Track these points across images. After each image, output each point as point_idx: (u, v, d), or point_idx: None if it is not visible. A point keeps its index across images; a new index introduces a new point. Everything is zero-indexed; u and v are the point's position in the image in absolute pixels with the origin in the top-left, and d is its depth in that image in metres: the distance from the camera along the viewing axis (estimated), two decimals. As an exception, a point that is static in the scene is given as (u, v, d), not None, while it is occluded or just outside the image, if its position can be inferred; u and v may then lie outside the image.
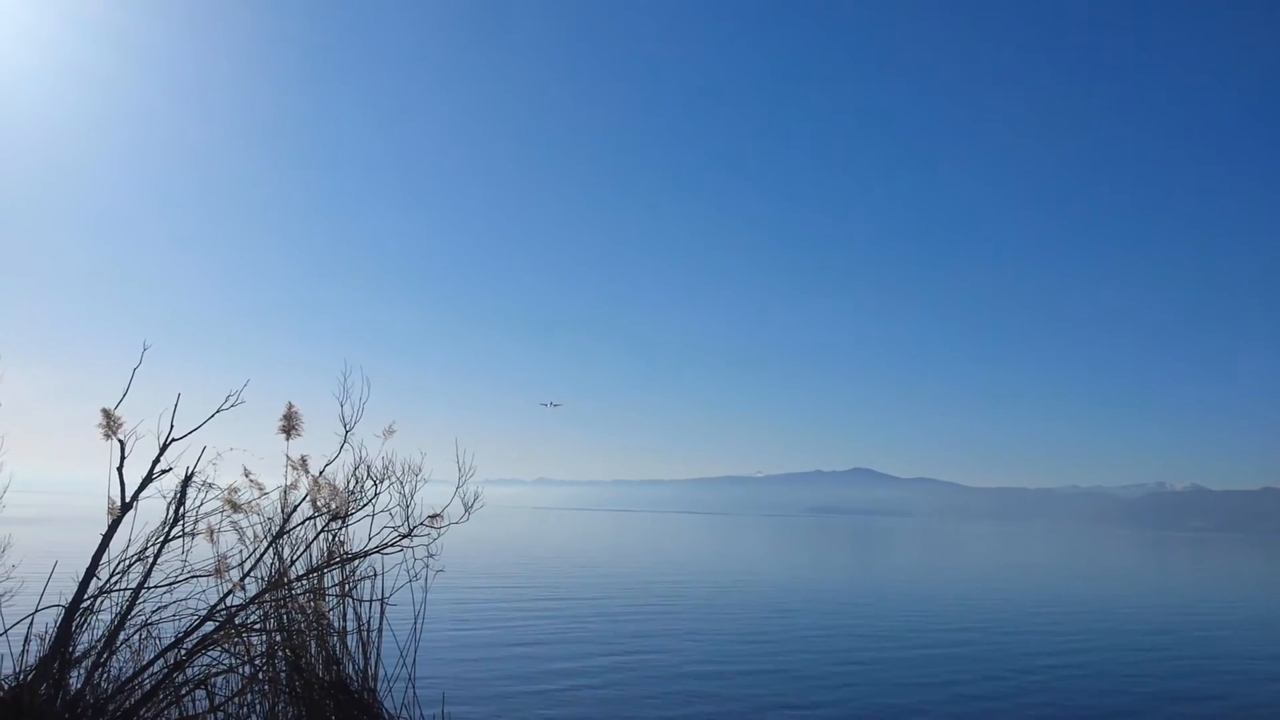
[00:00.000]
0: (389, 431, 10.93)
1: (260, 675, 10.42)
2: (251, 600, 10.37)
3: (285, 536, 10.76)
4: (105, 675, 9.59)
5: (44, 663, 9.18)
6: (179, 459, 10.11)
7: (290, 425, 10.84)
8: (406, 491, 11.03)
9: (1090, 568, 77.86)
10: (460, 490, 11.24)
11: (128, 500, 9.93)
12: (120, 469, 9.95)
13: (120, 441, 9.95)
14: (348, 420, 10.91)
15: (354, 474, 10.92)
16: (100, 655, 9.54)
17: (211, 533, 10.32)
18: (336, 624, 10.88)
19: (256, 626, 10.46)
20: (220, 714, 10.14)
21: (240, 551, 10.53)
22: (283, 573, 10.64)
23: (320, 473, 10.90)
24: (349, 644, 10.90)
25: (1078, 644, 27.55)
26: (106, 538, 9.81)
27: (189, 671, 10.00)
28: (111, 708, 9.46)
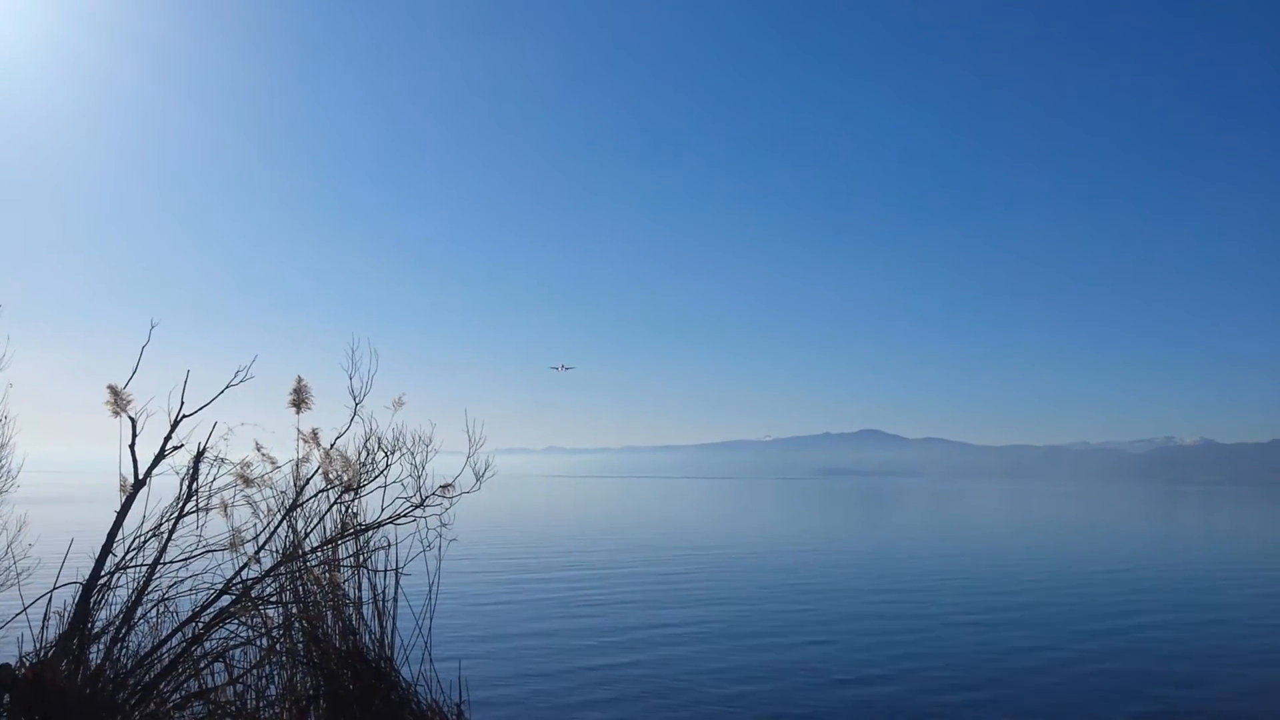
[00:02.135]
0: (399, 403, 10.94)
1: (278, 646, 10.50)
2: (267, 573, 10.43)
3: (299, 509, 10.80)
4: (124, 650, 9.67)
5: (64, 639, 9.26)
6: (190, 435, 10.15)
7: (300, 399, 10.86)
8: (418, 462, 11.04)
9: (1116, 525, 77.23)
10: (471, 460, 11.26)
11: (141, 477, 9.98)
12: (132, 446, 9.99)
13: (131, 419, 9.98)
14: (357, 393, 10.92)
15: (365, 446, 10.94)
16: (119, 630, 9.62)
17: (225, 507, 10.37)
18: (352, 594, 10.93)
19: (273, 599, 10.53)
20: (239, 685, 10.23)
21: (254, 525, 10.59)
22: (297, 545, 10.68)
23: (331, 445, 10.93)
24: (365, 614, 10.96)
25: (1125, 608, 26.74)
26: (121, 515, 9.86)
27: (207, 644, 10.07)
28: (131, 682, 9.54)
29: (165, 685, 9.74)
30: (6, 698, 8.87)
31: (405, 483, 11.05)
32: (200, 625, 9.96)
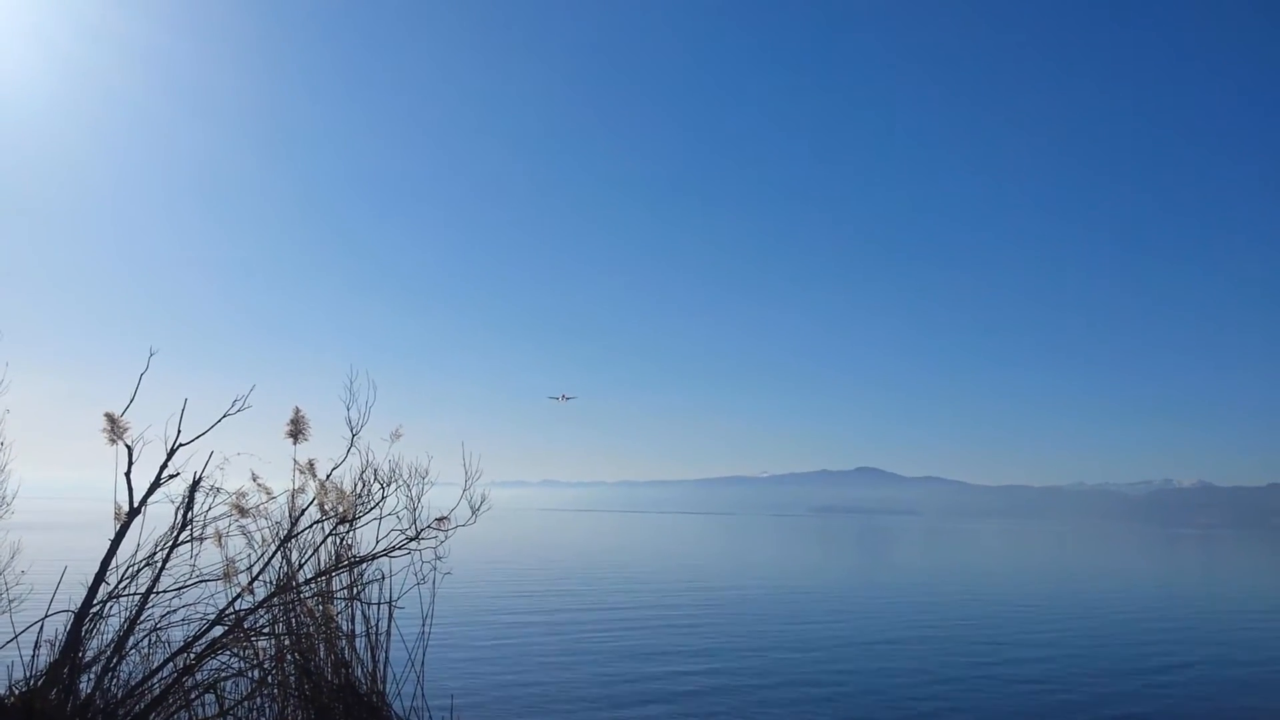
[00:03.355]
0: (396, 435, 10.96)
1: (269, 679, 10.45)
2: (260, 604, 10.40)
3: (293, 540, 10.79)
4: (115, 680, 9.63)
5: (54, 668, 9.22)
6: (186, 464, 10.16)
7: (297, 429, 10.88)
8: (414, 494, 11.06)
9: (1122, 570, 75.22)
10: (467, 493, 11.27)
11: (136, 505, 9.98)
12: (128, 474, 9.99)
13: (128, 447, 9.99)
14: (354, 424, 10.95)
15: (361, 477, 10.96)
16: (110, 660, 9.58)
17: (220, 537, 10.37)
18: (345, 627, 10.91)
19: (265, 630, 10.49)
20: (230, 718, 10.17)
21: (248, 555, 10.58)
22: (291, 576, 10.67)
23: (328, 476, 10.94)
24: (357, 647, 10.93)
25: (1142, 660, 25.15)
26: (115, 543, 9.85)
27: (198, 675, 10.03)
28: (121, 712, 9.49)
29: (155, 716, 9.68)
30: (-5, 727, 8.82)
31: (401, 515, 11.07)
32: (192, 656, 9.92)
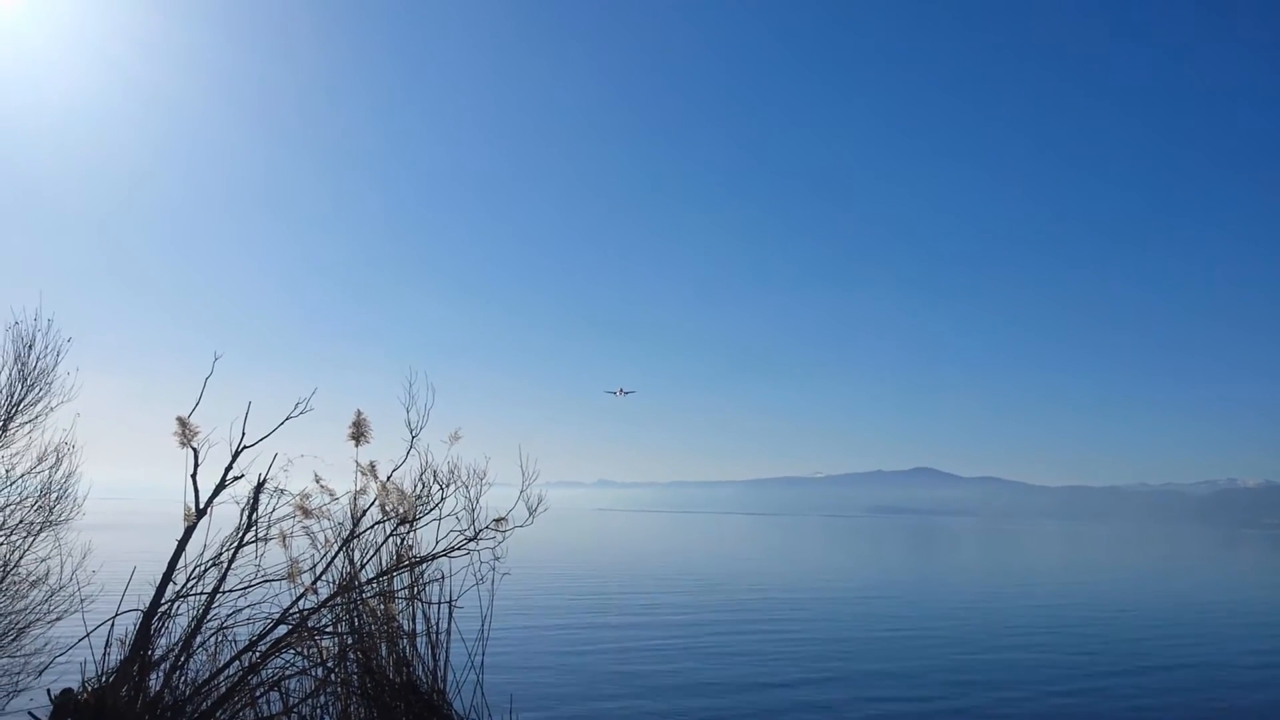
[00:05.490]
0: (455, 437, 11.05)
1: (333, 677, 10.58)
2: (323, 603, 10.54)
3: (355, 540, 10.91)
4: (183, 677, 9.82)
5: (124, 665, 9.42)
6: (251, 466, 10.33)
7: (359, 432, 11.01)
8: (472, 495, 11.13)
9: (1192, 576, 72.93)
10: (524, 494, 11.32)
11: (202, 507, 10.16)
12: (194, 476, 10.18)
13: (194, 449, 10.18)
14: (414, 426, 11.05)
15: (421, 479, 11.06)
16: (178, 658, 9.77)
17: (284, 538, 10.52)
18: (406, 626, 11.00)
19: (328, 629, 10.63)
20: (294, 715, 10.32)
21: (312, 556, 10.72)
22: (353, 576, 10.79)
23: (388, 478, 11.05)
24: (418, 646, 11.02)
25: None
26: (182, 543, 10.04)
27: (263, 673, 10.19)
28: (189, 709, 9.67)
29: (222, 713, 9.86)
30: (69, 722, 9.03)
31: (459, 516, 11.14)
32: (257, 654, 10.08)
